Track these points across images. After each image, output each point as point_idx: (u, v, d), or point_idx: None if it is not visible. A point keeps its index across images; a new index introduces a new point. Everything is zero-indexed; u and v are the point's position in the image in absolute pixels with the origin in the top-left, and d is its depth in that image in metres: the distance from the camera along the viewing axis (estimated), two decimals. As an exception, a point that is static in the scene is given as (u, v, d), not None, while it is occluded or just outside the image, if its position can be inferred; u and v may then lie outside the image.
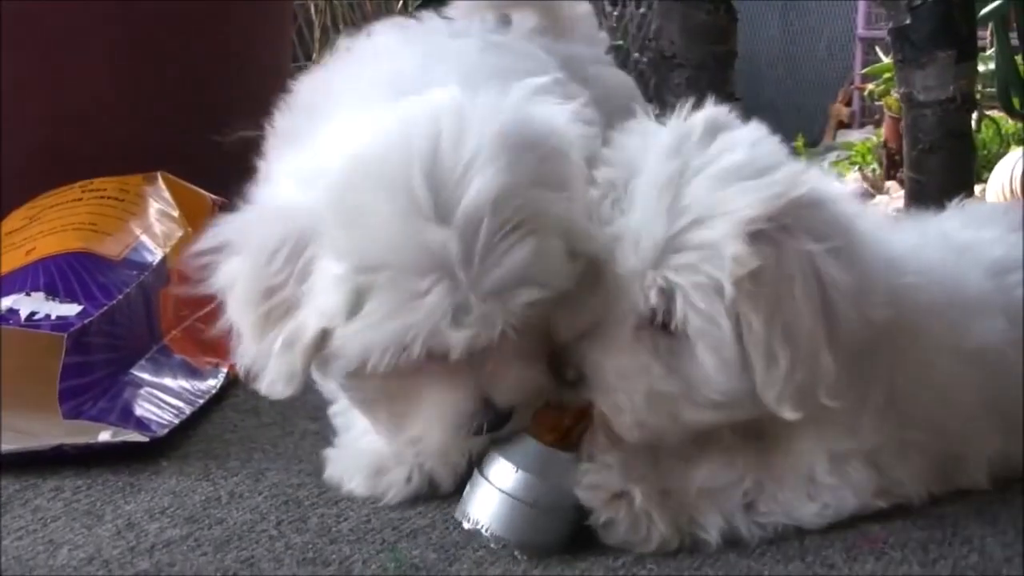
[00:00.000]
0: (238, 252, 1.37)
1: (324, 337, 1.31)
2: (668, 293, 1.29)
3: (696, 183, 1.31)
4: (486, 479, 1.38)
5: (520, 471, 1.36)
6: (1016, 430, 1.50)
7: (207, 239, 1.41)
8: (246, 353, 1.38)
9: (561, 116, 1.40)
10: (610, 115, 1.62)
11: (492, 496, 1.37)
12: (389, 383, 1.34)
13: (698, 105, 1.40)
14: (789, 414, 1.31)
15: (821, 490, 1.40)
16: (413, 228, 1.25)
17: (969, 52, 3.32)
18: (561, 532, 1.37)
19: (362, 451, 1.57)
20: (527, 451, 1.37)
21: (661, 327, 1.32)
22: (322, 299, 1.29)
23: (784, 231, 1.29)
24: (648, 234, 1.30)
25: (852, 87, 7.34)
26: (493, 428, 1.35)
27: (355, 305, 1.27)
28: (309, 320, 1.31)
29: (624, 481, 1.35)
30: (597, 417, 1.37)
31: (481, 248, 1.25)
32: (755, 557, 1.36)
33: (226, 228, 1.41)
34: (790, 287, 1.29)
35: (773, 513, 1.39)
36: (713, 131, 1.37)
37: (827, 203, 1.36)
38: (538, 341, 1.35)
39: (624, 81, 2.04)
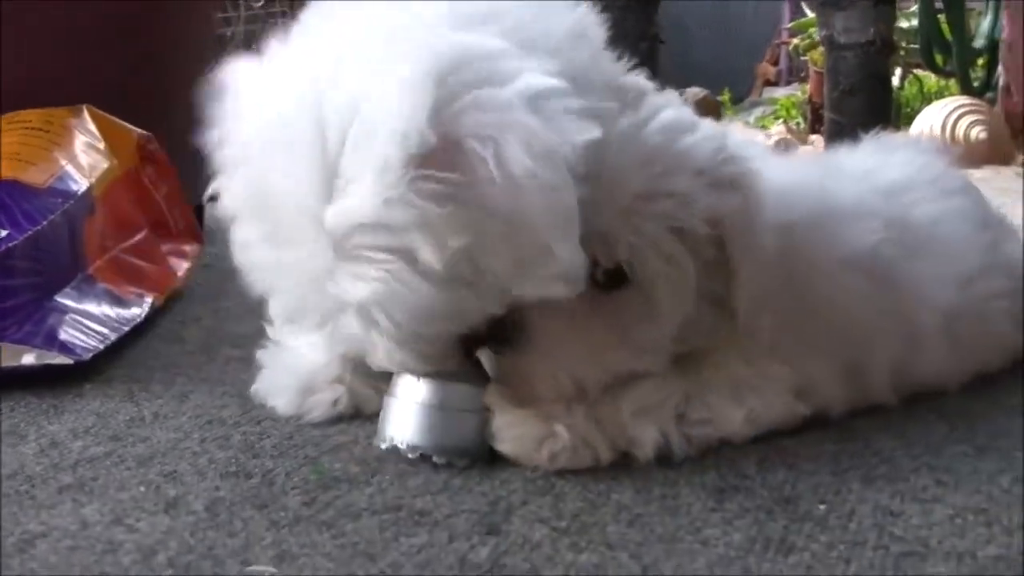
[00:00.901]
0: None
1: None
2: (635, 244, 1.32)
3: (651, 139, 1.34)
4: (393, 396, 1.41)
5: (422, 378, 1.38)
6: (913, 340, 1.55)
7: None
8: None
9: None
10: None
11: (400, 409, 1.40)
12: None
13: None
14: (767, 322, 1.40)
15: (746, 394, 1.44)
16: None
17: (887, -4, 3.38)
18: (476, 436, 1.39)
19: (292, 370, 1.59)
20: None
21: (603, 283, 1.35)
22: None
23: (738, 175, 1.36)
24: (621, 188, 1.32)
25: (779, 44, 7.41)
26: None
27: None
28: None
29: (546, 424, 1.38)
30: (506, 375, 1.39)
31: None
32: (672, 467, 1.39)
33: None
34: (755, 222, 1.37)
35: (704, 424, 1.42)
36: (642, 94, 1.40)
37: (747, 152, 1.43)
38: None
39: None
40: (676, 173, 1.33)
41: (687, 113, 1.40)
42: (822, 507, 1.30)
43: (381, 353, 1.30)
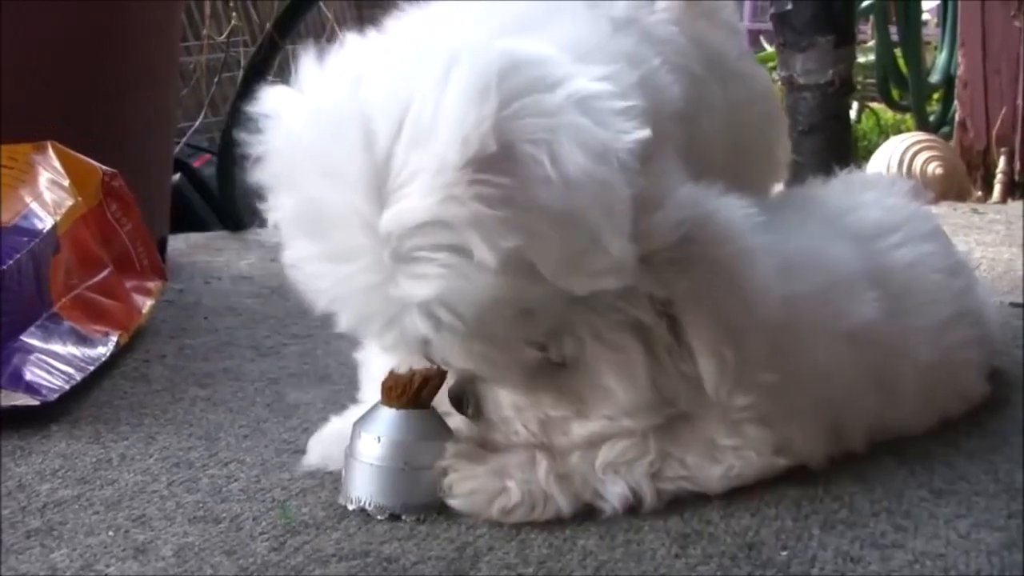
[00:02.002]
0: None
1: None
2: (579, 337, 1.36)
3: None
4: (355, 458, 1.42)
5: (383, 439, 1.39)
6: (891, 396, 1.57)
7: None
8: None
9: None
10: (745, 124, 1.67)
11: (364, 470, 1.41)
12: None
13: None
14: (742, 401, 1.41)
15: (724, 452, 1.44)
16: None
17: (847, 38, 3.43)
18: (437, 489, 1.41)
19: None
20: (385, 419, 1.40)
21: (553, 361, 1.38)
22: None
23: (694, 249, 1.36)
24: None
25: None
26: None
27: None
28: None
29: (499, 480, 1.39)
30: (464, 430, 1.43)
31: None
32: (635, 514, 1.41)
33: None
34: (716, 293, 1.37)
35: (679, 479, 1.43)
36: None
37: (725, 213, 1.42)
38: None
39: (766, 84, 1.98)
40: None
41: (657, 187, 1.38)
42: (784, 553, 1.32)
43: (455, 353, 1.32)
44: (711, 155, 1.61)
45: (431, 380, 1.40)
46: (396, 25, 1.42)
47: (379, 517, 1.39)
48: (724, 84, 1.68)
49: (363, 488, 1.41)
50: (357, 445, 1.41)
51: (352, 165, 1.22)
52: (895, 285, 1.61)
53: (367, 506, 1.40)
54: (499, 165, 1.20)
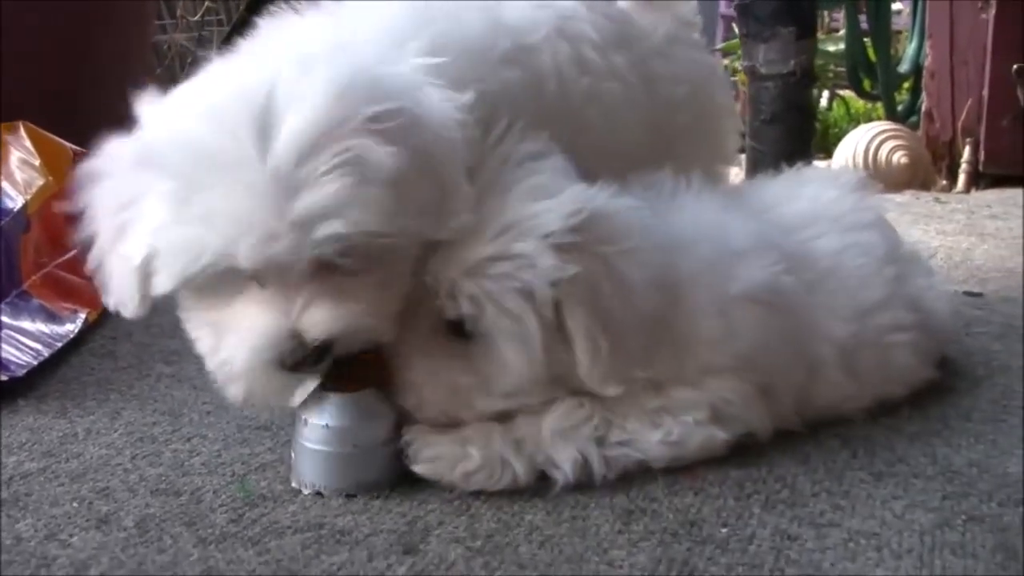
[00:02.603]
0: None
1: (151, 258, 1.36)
2: (477, 300, 1.41)
3: (510, 202, 1.44)
4: (304, 444, 1.46)
5: (330, 425, 1.44)
6: (812, 368, 1.62)
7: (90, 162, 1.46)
8: (99, 266, 1.44)
9: (436, 94, 1.42)
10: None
11: (314, 456, 1.46)
12: (207, 306, 1.39)
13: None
14: (612, 391, 1.47)
15: (662, 417, 1.50)
16: (235, 154, 1.29)
17: (809, 29, 3.47)
18: (390, 465, 1.46)
19: None
20: (330, 404, 1.45)
21: (458, 330, 1.44)
22: (148, 217, 1.34)
23: (585, 240, 1.43)
24: (468, 246, 1.42)
25: (711, 63, 7.48)
26: (305, 364, 1.38)
27: (172, 217, 1.32)
28: (138, 239, 1.36)
29: (461, 447, 1.45)
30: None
31: (294, 176, 1.29)
32: (583, 490, 1.45)
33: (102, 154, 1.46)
34: (600, 286, 1.44)
35: (623, 445, 1.49)
36: (526, 158, 1.49)
37: (616, 213, 1.48)
38: (373, 287, 1.39)
39: (706, 70, 2.06)
40: (524, 237, 1.42)
41: (557, 180, 1.48)
42: (724, 530, 1.37)
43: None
44: (618, 135, 1.76)
45: (369, 358, 1.44)
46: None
47: (333, 497, 1.44)
48: (643, 61, 1.81)
49: (316, 473, 1.46)
50: (304, 432, 1.46)
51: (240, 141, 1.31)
52: (817, 269, 1.67)
53: (321, 491, 1.45)
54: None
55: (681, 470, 1.51)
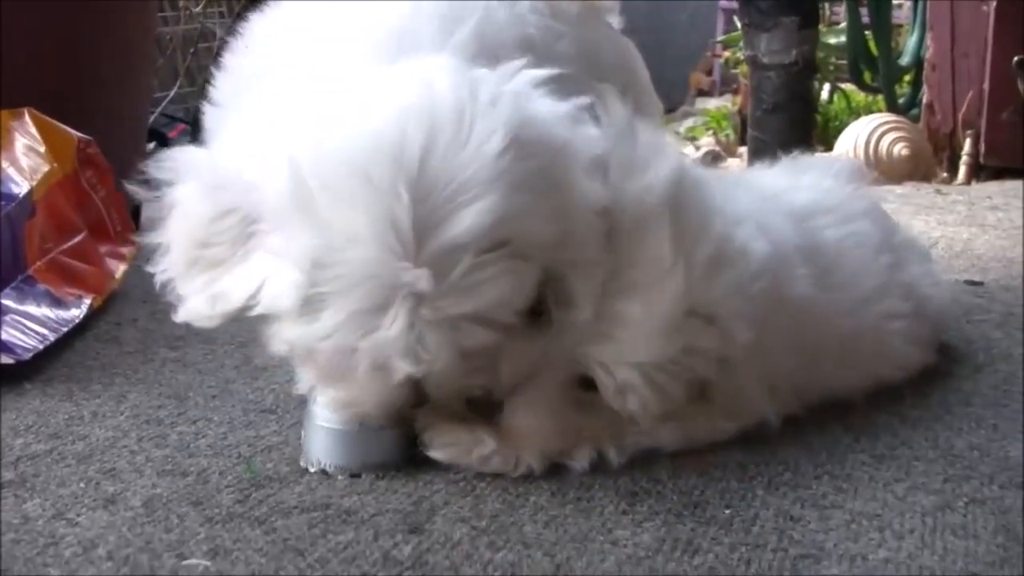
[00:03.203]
0: (191, 186, 1.39)
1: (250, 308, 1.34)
2: (637, 389, 1.39)
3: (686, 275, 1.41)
4: (313, 422, 1.47)
5: None
6: (811, 359, 1.63)
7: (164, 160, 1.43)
8: (170, 274, 1.42)
9: (563, 117, 1.38)
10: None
11: (321, 434, 1.47)
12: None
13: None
14: None
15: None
16: (383, 253, 1.24)
17: (811, 19, 3.48)
18: (395, 447, 1.47)
19: None
20: None
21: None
22: (268, 289, 1.31)
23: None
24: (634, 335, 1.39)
25: (712, 56, 7.50)
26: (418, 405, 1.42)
27: (304, 309, 1.28)
28: (239, 290, 1.34)
29: (473, 432, 1.45)
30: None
31: (453, 283, 1.25)
32: (588, 472, 1.46)
33: (184, 159, 1.43)
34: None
35: (636, 435, 1.49)
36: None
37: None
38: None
39: (624, 45, 2.06)
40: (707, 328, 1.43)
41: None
42: (727, 511, 1.38)
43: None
44: None
45: None
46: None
47: (339, 476, 1.45)
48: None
49: (322, 450, 1.46)
50: (314, 410, 1.47)
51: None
52: (824, 265, 1.68)
53: (326, 468, 1.46)
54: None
55: (686, 454, 1.52)
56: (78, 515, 1.33)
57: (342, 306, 1.26)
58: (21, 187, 2.03)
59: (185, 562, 1.22)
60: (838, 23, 5.86)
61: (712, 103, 6.96)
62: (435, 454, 1.45)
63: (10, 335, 1.83)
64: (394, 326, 1.25)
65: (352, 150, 1.27)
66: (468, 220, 1.24)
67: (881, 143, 4.32)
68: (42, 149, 2.13)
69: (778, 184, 1.82)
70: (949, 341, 2.02)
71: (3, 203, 1.97)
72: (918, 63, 5.02)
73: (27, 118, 2.17)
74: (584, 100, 1.42)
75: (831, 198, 1.80)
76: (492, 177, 1.26)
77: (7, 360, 1.76)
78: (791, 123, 3.42)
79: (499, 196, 1.25)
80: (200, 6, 4.52)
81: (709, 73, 7.78)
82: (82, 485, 1.41)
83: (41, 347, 1.84)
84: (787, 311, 1.56)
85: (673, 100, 7.24)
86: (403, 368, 1.28)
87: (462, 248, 1.24)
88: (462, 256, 1.24)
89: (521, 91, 1.36)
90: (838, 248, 1.72)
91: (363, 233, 1.24)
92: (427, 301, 1.24)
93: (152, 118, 3.64)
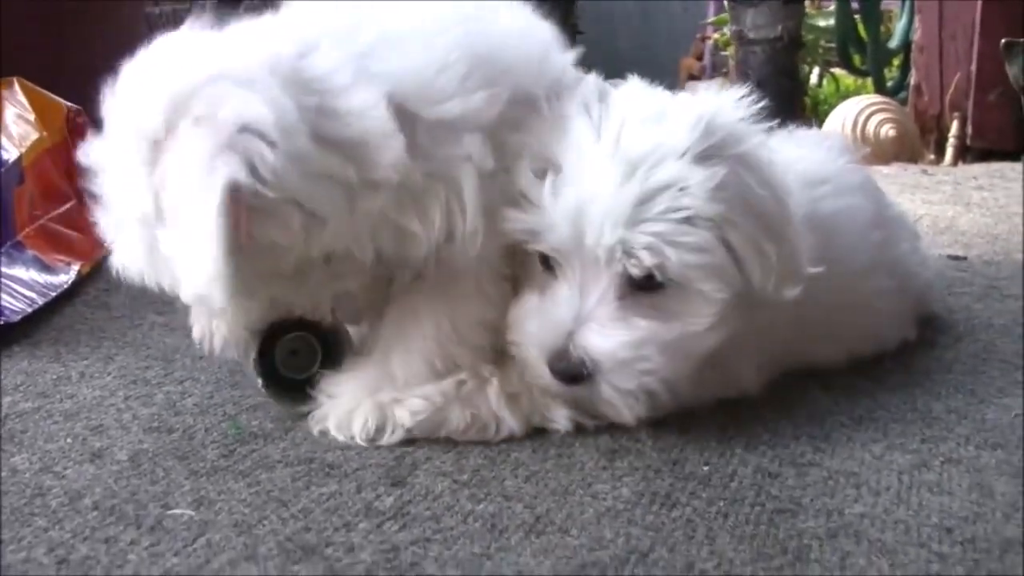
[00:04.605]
0: None
1: None
2: (654, 248, 1.38)
3: (628, 138, 1.41)
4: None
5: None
6: (800, 337, 1.65)
7: None
8: None
9: None
10: None
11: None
12: None
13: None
14: (791, 293, 1.46)
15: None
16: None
17: (797, -6, 3.48)
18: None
19: None
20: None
21: (640, 287, 1.42)
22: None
23: (717, 146, 1.41)
24: (614, 201, 1.38)
25: (703, 39, 7.51)
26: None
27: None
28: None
29: (443, 406, 1.46)
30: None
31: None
32: (568, 433, 1.48)
33: None
34: (750, 187, 1.43)
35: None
36: (603, 94, 1.48)
37: (724, 115, 1.46)
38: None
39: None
40: (661, 165, 1.40)
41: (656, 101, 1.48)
42: (706, 468, 1.40)
43: None
44: None
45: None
46: None
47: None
48: None
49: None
50: None
51: None
52: (820, 234, 1.68)
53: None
54: None
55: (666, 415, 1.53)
56: (65, 468, 1.34)
57: None
58: (10, 154, 2.05)
59: (170, 512, 1.24)
60: (827, 6, 5.87)
61: (702, 86, 6.96)
62: (408, 423, 1.45)
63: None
64: None
65: None
66: None
67: (868, 124, 4.33)
68: (31, 117, 2.15)
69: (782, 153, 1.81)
70: (932, 312, 2.04)
71: (-8, 169, 1.99)
72: (906, 46, 5.04)
73: (16, 87, 2.19)
74: None
75: (826, 170, 1.78)
76: None
77: (-4, 322, 1.78)
78: (777, 97, 3.42)
79: None
80: (190, -16, 4.52)
81: (700, 58, 7.79)
82: (69, 441, 1.43)
83: (29, 310, 1.86)
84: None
85: (664, 84, 7.23)
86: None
87: None
88: None
89: None
90: (834, 221, 1.70)
91: None
92: None
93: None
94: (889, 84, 5.22)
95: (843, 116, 4.40)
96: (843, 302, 1.68)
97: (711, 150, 1.40)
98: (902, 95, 4.96)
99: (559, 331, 1.40)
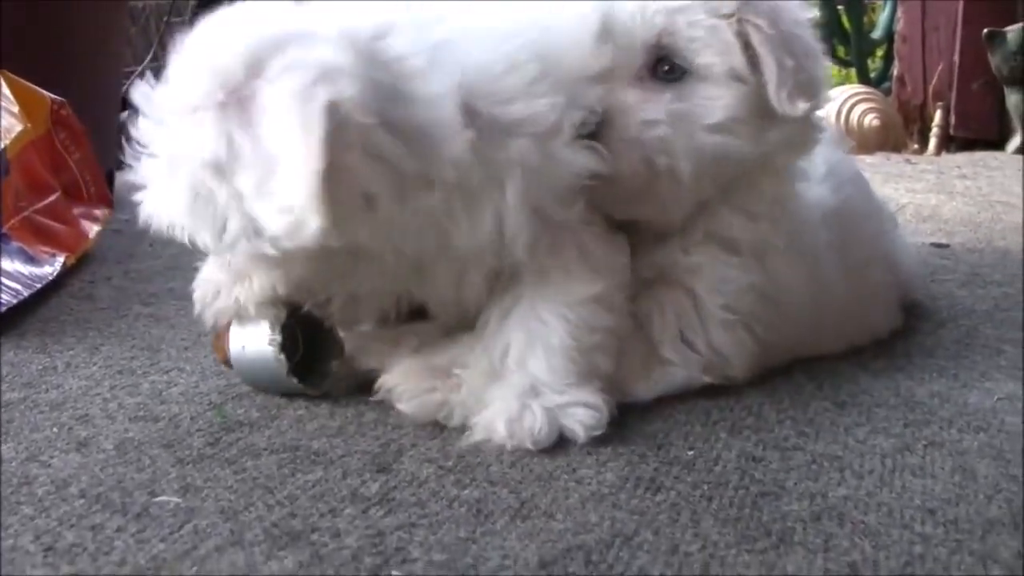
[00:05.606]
0: None
1: None
2: (672, 30, 1.45)
3: None
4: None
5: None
6: (796, 330, 1.66)
7: None
8: None
9: None
10: None
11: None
12: None
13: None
14: (802, 106, 1.48)
15: (653, 365, 1.55)
16: None
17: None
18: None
19: None
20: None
21: (661, 73, 1.47)
22: None
23: None
24: None
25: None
26: None
27: None
28: None
29: (431, 380, 1.47)
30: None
31: None
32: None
33: None
34: (781, 11, 1.50)
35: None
36: None
37: None
38: None
39: None
40: None
41: None
42: (691, 453, 1.40)
43: None
44: None
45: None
46: None
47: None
48: None
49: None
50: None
51: None
52: (840, 227, 1.69)
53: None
54: None
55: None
56: (51, 457, 1.35)
57: None
58: (-5, 146, 2.05)
59: (156, 499, 1.24)
60: (811, -2, 5.88)
61: None
62: (404, 407, 1.47)
63: (-17, 290, 1.85)
64: None
65: None
66: None
67: (852, 114, 4.35)
68: (15, 109, 2.15)
69: None
70: (915, 299, 2.05)
71: (-25, 161, 1.99)
72: (890, 36, 5.05)
73: (0, 79, 2.18)
74: None
75: (824, 163, 1.79)
76: None
77: (-20, 313, 1.78)
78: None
79: None
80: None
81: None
82: (55, 430, 1.43)
83: (15, 302, 1.86)
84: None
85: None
86: None
87: None
88: None
89: None
90: (837, 214, 1.72)
91: None
92: None
93: (126, 87, 3.63)
94: (872, 74, 5.23)
95: (827, 107, 4.41)
96: (841, 295, 1.69)
97: None
98: (885, 85, 4.97)
99: None
